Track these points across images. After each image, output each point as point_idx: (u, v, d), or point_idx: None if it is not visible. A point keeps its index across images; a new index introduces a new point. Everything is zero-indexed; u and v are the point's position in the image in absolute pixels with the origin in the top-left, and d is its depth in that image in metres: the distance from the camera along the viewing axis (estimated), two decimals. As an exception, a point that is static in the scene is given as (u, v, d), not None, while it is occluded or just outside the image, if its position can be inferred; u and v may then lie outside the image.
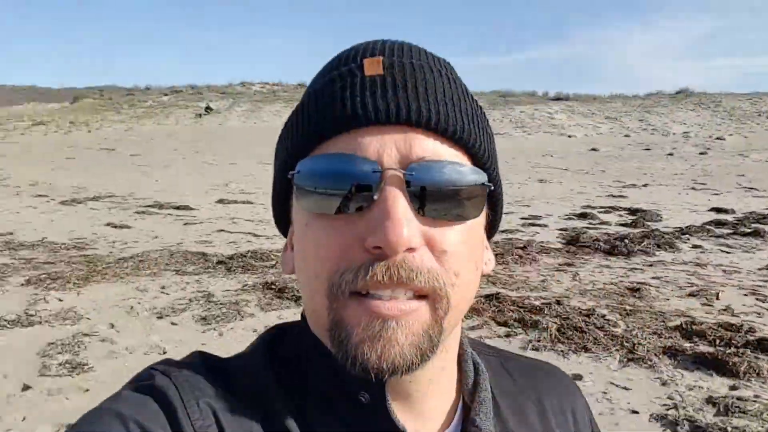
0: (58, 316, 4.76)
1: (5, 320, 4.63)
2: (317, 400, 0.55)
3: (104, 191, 12.65)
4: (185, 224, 9.22)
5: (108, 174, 15.47)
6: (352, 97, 0.51)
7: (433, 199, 0.50)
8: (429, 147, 0.51)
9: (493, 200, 0.59)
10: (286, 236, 0.63)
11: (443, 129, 0.52)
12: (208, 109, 31.93)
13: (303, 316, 0.60)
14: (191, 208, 10.64)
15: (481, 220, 0.56)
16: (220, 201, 11.64)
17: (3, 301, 5.12)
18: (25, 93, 43.13)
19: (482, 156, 0.55)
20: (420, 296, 0.50)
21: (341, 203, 0.50)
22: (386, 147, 0.50)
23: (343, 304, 0.50)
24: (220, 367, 0.57)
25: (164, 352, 4.13)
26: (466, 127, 0.53)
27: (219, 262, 6.52)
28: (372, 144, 0.50)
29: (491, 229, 0.62)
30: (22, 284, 5.62)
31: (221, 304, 5.11)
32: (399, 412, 0.55)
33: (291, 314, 4.91)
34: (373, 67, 0.52)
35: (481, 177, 0.54)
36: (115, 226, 8.89)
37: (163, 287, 5.63)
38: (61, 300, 5.21)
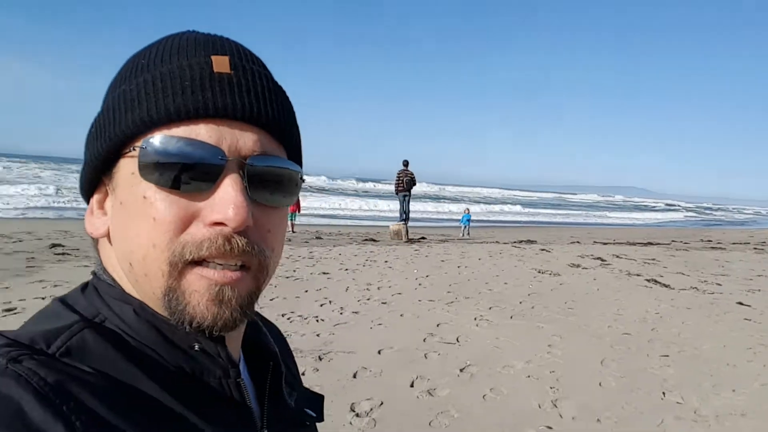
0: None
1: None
2: (140, 360, 0.57)
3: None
4: None
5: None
6: (203, 89, 0.56)
7: (263, 187, 0.60)
8: (264, 142, 0.60)
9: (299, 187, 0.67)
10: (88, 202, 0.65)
11: (275, 128, 0.61)
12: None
13: (99, 280, 0.64)
14: None
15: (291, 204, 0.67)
16: None
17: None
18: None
19: (298, 151, 0.66)
20: (243, 267, 0.59)
21: (187, 181, 0.55)
22: (230, 139, 0.57)
23: (182, 271, 0.56)
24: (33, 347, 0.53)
25: None
26: (289, 127, 0.63)
27: None
28: (219, 134, 0.57)
29: (299, 209, 0.79)
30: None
31: None
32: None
33: None
34: (221, 65, 0.58)
35: (298, 169, 0.64)
36: None
37: None
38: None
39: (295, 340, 5.36)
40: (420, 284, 8.62)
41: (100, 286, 0.63)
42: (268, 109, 0.60)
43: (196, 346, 0.61)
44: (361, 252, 12.47)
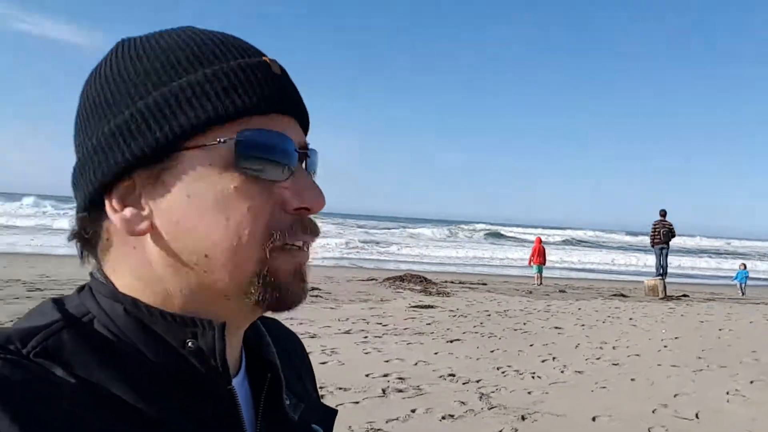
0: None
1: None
2: (130, 357, 0.57)
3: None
4: None
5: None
6: (269, 86, 0.60)
7: (313, 174, 0.67)
8: (307, 137, 0.67)
9: None
10: (97, 196, 0.60)
11: (308, 126, 0.68)
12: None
13: (95, 280, 0.62)
14: None
15: None
16: None
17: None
18: None
19: None
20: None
21: (273, 171, 0.59)
22: (293, 133, 0.62)
23: (274, 256, 0.59)
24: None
25: None
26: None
27: None
28: (288, 128, 0.62)
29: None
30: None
31: None
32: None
33: None
34: (275, 66, 0.62)
35: None
36: None
37: None
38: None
39: (502, 396, 5.14)
40: (665, 346, 7.62)
41: (95, 285, 0.62)
42: (306, 108, 0.67)
43: (190, 343, 0.59)
44: (604, 307, 11.54)
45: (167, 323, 0.59)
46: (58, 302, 0.61)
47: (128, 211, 0.59)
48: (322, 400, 0.85)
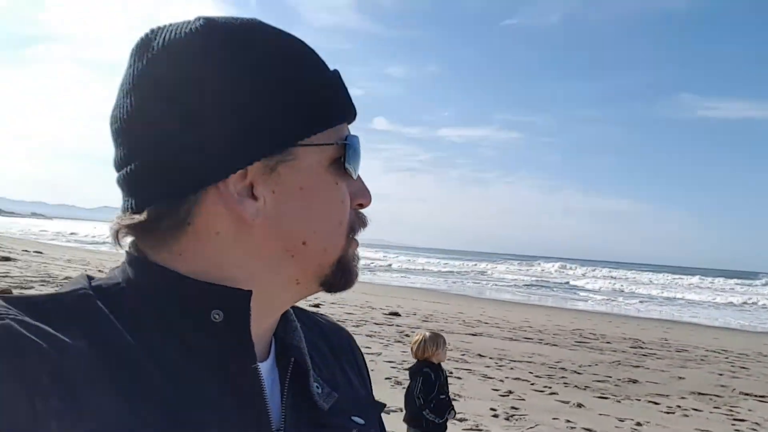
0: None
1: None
2: (158, 327, 0.58)
3: None
4: None
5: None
6: (349, 97, 0.67)
7: None
8: None
9: None
10: (210, 182, 0.59)
11: None
12: None
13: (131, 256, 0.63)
14: None
15: None
16: None
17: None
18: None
19: None
20: None
21: (356, 173, 0.67)
22: None
23: (349, 242, 0.67)
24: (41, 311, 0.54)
25: None
26: None
27: None
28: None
29: None
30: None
31: None
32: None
33: None
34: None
35: None
36: None
37: None
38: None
39: None
40: None
41: (128, 258, 0.63)
42: None
43: (215, 315, 0.58)
44: None
45: (197, 291, 0.58)
46: (90, 276, 0.62)
47: (243, 200, 0.59)
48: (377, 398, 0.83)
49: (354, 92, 0.69)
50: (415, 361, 4.43)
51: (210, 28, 0.60)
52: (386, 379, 7.07)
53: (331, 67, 0.67)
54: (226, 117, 0.58)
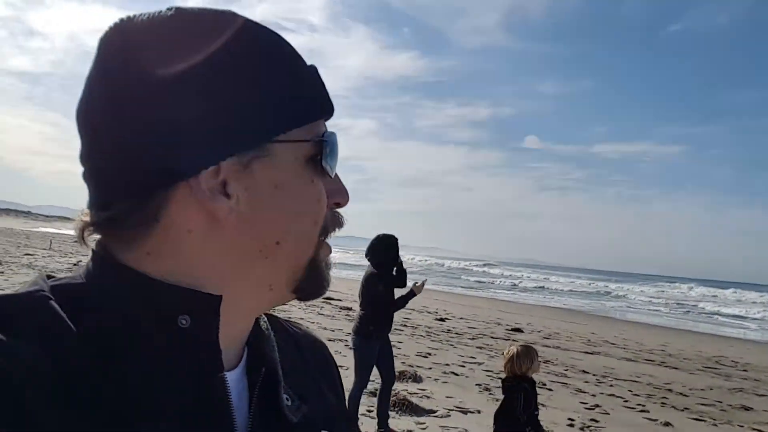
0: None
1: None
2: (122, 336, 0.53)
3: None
4: None
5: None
6: (326, 93, 0.64)
7: None
8: None
9: None
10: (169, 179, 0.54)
11: None
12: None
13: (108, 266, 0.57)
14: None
15: None
16: None
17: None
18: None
19: None
20: None
21: (332, 171, 0.63)
22: None
23: (321, 243, 0.63)
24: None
25: None
26: None
27: None
28: None
29: None
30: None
31: None
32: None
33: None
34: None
35: None
36: None
37: None
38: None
39: None
40: None
41: (94, 258, 0.58)
42: None
43: (183, 320, 0.55)
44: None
45: (164, 294, 0.55)
46: (51, 275, 0.59)
47: (215, 197, 0.56)
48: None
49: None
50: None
51: (182, 18, 0.57)
52: (476, 384, 7.66)
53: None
54: (197, 111, 0.54)
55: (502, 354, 4.50)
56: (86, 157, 0.58)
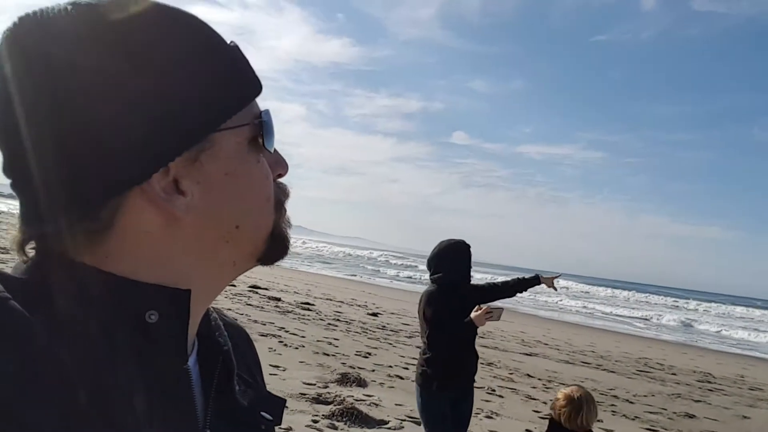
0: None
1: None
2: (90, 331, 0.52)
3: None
4: None
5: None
6: (253, 70, 0.64)
7: None
8: None
9: None
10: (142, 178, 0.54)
11: None
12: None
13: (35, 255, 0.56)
14: None
15: None
16: None
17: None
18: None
19: None
20: None
21: (272, 145, 0.65)
22: None
23: (280, 212, 0.66)
24: None
25: None
26: None
27: None
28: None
29: None
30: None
31: None
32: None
33: None
34: None
35: None
36: None
37: None
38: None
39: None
40: None
41: (44, 258, 0.56)
42: None
43: (151, 315, 0.55)
44: None
45: (130, 291, 0.54)
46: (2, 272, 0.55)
47: (170, 197, 0.55)
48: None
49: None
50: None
51: (94, 11, 0.53)
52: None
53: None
54: (132, 115, 0.52)
55: (557, 398, 3.59)
56: (12, 168, 0.55)
